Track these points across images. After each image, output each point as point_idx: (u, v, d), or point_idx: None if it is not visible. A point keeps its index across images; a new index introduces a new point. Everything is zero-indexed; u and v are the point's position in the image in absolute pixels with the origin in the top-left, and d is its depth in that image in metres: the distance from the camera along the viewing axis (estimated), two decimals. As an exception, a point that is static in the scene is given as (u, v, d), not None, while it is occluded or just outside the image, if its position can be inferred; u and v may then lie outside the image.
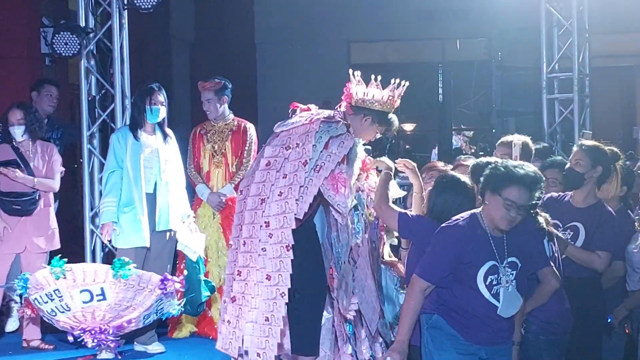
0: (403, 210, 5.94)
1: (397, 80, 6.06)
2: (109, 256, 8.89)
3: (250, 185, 5.90)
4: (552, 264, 5.61)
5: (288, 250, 5.64)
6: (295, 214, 5.67)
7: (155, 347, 7.88)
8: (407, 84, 6.07)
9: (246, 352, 5.80)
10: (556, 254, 5.94)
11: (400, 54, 20.36)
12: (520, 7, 12.12)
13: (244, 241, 5.83)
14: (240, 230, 5.89)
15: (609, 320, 6.53)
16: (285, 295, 5.65)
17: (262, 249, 5.72)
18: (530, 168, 5.13)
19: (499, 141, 7.75)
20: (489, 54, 16.45)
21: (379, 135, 6.28)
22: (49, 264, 7.19)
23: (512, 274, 5.17)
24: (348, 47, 19.61)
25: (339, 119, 5.97)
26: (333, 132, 5.86)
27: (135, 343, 7.86)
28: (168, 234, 7.87)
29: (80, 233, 9.64)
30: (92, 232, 9.31)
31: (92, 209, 9.34)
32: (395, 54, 20.34)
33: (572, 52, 10.41)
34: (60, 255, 7.20)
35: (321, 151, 5.80)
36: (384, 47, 20.28)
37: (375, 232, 6.14)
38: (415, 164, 6.27)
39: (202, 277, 7.65)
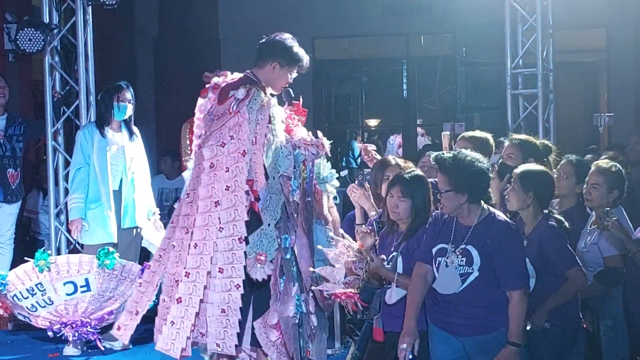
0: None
1: None
2: (74, 253, 8.83)
3: (197, 188, 5.82)
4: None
5: (240, 243, 5.67)
6: (245, 205, 5.66)
7: (121, 344, 7.85)
8: None
9: (205, 347, 5.84)
10: None
11: (365, 49, 20.34)
12: (485, 2, 12.19)
13: (195, 243, 5.77)
14: (187, 233, 5.82)
15: None
16: (240, 286, 5.68)
17: (214, 243, 5.73)
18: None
19: (460, 136, 7.82)
20: (454, 50, 16.47)
21: (294, 76, 6.28)
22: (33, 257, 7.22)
23: (463, 260, 5.38)
24: (312, 43, 19.53)
25: (247, 84, 5.92)
26: (256, 106, 5.85)
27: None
28: (134, 230, 7.89)
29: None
30: (57, 229, 9.27)
31: (56, 206, 9.30)
32: (359, 49, 20.31)
33: (536, 47, 10.48)
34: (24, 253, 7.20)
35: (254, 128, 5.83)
36: (348, 43, 20.24)
37: (309, 187, 6.04)
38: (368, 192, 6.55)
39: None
